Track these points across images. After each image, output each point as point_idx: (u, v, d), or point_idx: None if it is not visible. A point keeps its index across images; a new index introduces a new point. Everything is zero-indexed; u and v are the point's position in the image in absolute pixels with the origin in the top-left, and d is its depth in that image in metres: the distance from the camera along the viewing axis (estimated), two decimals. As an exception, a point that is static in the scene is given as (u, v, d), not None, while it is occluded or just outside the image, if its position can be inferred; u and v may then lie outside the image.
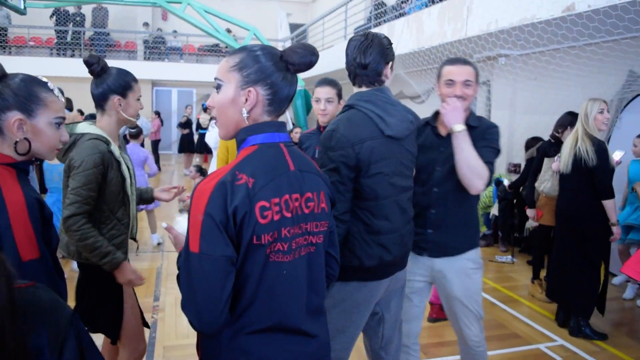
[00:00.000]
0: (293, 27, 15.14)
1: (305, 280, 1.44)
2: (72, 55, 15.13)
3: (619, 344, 3.95)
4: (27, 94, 1.48)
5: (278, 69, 1.41)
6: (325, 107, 3.08)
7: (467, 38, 6.24)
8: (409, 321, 2.66)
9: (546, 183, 4.68)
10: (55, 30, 15.15)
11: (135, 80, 2.41)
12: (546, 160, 4.74)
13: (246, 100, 1.40)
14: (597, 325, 4.15)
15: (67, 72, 13.00)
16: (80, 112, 9.52)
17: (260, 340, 1.37)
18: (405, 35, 7.85)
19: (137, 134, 6.61)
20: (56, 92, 1.56)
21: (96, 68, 2.32)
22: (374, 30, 9.08)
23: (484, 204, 6.81)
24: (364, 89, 2.16)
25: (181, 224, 1.65)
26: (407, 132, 2.17)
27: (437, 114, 2.58)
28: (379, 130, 2.07)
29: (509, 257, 6.24)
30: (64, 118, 1.58)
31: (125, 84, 2.36)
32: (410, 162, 2.23)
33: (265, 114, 1.43)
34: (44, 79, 1.57)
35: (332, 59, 9.74)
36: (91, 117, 3.03)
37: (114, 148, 2.33)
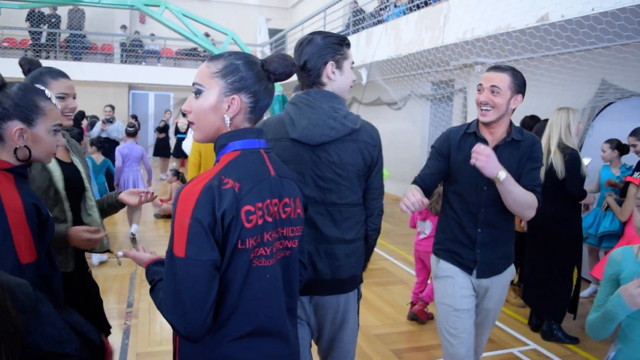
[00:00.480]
0: (272, 32, 15.13)
1: (281, 283, 1.47)
2: (47, 57, 14.88)
3: (590, 348, 4.02)
4: (27, 103, 1.55)
5: (260, 78, 1.44)
6: None
7: (444, 46, 6.32)
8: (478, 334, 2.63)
9: None
10: (29, 32, 14.91)
11: (53, 76, 2.14)
12: None
13: (228, 107, 1.42)
14: (569, 329, 4.21)
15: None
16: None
17: (243, 345, 1.38)
18: (383, 42, 7.91)
19: (134, 132, 7.08)
20: (53, 100, 1.62)
21: (25, 67, 2.21)
22: (352, 37, 9.15)
23: None
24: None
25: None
26: (324, 139, 1.95)
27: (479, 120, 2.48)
28: (286, 132, 1.97)
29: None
30: (60, 125, 1.66)
31: (36, 81, 2.08)
32: (332, 173, 1.98)
33: (247, 121, 1.46)
34: (41, 87, 1.62)
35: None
36: None
37: None
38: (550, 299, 4.13)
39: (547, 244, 4.10)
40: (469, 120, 9.23)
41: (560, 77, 5.53)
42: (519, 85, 2.37)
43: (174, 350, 1.46)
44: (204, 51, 14.94)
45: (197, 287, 1.27)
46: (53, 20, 15.06)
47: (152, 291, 1.42)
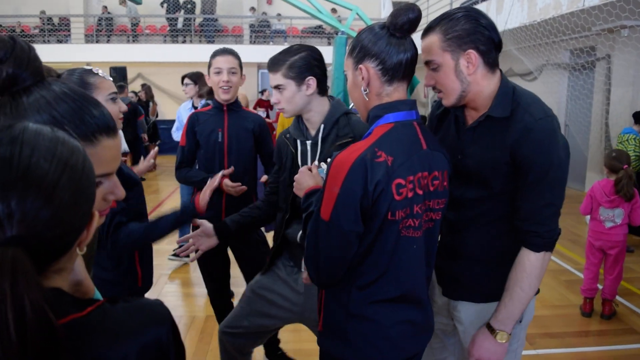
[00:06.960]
0: (396, 5, 14.84)
1: (424, 254, 1.50)
2: (184, 41, 15.90)
3: None
4: (80, 84, 1.69)
5: (377, 38, 1.44)
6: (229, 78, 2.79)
7: (585, 9, 5.79)
8: None
9: None
10: (166, 18, 15.98)
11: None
12: None
13: (363, 78, 1.46)
14: None
15: (180, 58, 13.79)
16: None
17: (385, 309, 1.45)
18: (515, 9, 7.44)
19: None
20: (101, 73, 1.77)
21: None
22: (481, 5, 8.71)
23: None
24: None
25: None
26: None
27: None
28: None
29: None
30: (116, 92, 1.80)
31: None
32: None
33: (386, 84, 1.45)
34: (89, 67, 1.79)
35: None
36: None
37: None
38: None
39: None
40: (613, 93, 8.51)
41: None
42: (459, 37, 1.51)
43: (319, 304, 1.53)
44: (330, 28, 15.06)
45: (333, 250, 1.37)
46: (189, 6, 16.02)
47: (306, 218, 1.51)
